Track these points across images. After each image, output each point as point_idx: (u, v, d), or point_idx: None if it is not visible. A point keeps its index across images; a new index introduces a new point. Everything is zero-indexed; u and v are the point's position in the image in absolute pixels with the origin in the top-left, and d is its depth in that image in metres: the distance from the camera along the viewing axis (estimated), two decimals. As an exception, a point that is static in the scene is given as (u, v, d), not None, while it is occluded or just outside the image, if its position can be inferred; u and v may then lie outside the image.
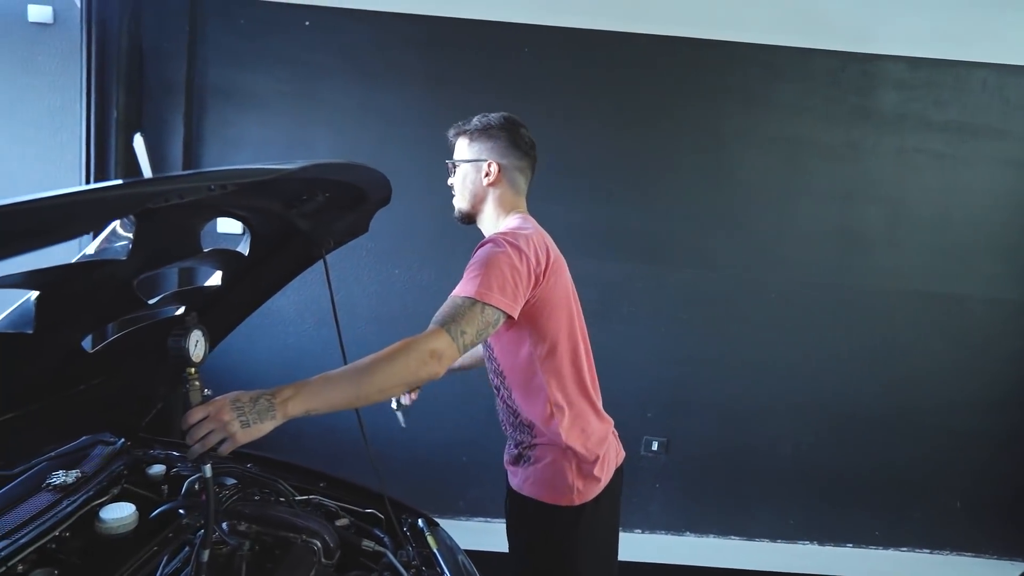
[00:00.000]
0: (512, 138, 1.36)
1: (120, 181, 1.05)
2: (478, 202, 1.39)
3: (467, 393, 2.66)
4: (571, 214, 2.60)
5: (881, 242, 2.70)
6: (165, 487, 1.31)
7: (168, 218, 0.85)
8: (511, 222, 1.35)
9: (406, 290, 2.61)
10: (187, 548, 1.10)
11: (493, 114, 1.40)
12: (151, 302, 0.97)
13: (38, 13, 2.32)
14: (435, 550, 1.31)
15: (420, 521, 1.42)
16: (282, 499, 1.33)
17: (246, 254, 1.13)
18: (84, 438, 1.35)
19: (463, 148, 1.40)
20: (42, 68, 2.35)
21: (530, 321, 1.27)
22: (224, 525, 1.16)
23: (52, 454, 1.24)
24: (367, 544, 1.26)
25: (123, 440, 1.39)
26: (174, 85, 2.48)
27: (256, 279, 1.27)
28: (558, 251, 1.36)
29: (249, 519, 1.19)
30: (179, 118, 2.50)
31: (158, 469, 1.33)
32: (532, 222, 1.37)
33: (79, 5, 2.32)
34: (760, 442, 2.75)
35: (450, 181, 1.43)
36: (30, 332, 0.86)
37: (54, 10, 2.33)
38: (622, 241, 2.66)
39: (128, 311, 0.97)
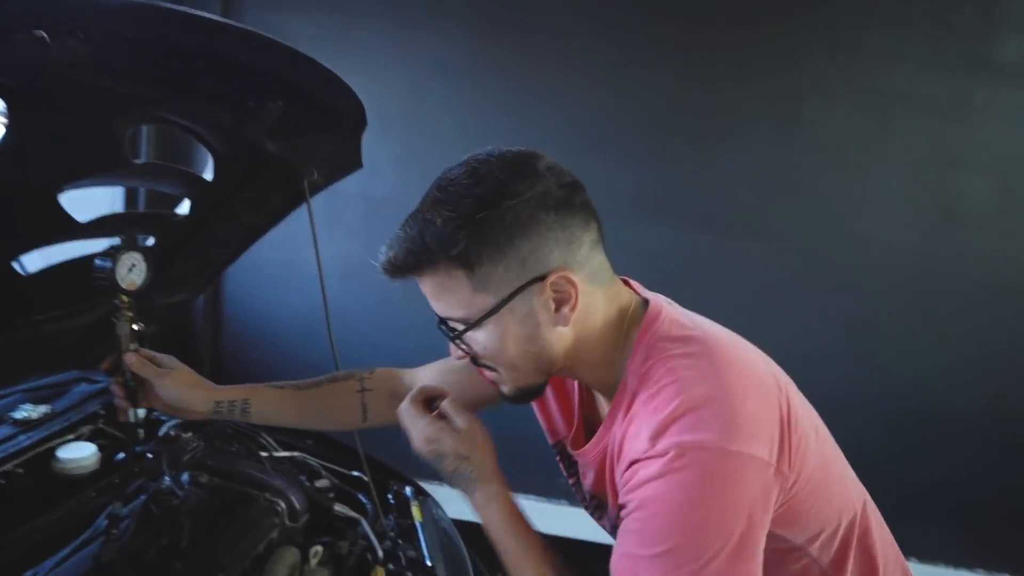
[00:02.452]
0: (548, 201, 0.65)
1: None
2: (558, 356, 0.71)
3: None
4: (622, 175, 2.36)
5: (987, 222, 2.28)
6: (142, 431, 1.24)
7: (66, 108, 0.72)
8: (654, 338, 0.69)
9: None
10: (142, 497, 1.01)
11: (462, 172, 0.67)
12: (84, 221, 0.87)
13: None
14: (417, 522, 1.18)
15: (408, 489, 1.29)
16: (262, 453, 1.23)
17: (211, 180, 1.01)
18: (68, 374, 1.31)
19: (460, 288, 0.67)
20: None
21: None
22: (185, 476, 1.07)
23: (24, 387, 1.20)
24: (340, 509, 1.14)
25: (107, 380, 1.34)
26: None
27: (235, 214, 1.15)
28: (779, 375, 0.74)
29: (212, 471, 1.10)
30: (217, 63, 2.45)
31: (138, 412, 1.26)
32: (675, 310, 0.74)
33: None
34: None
35: (456, 355, 0.73)
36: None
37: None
38: (676, 206, 2.39)
39: (61, 233, 0.88)
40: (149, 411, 1.30)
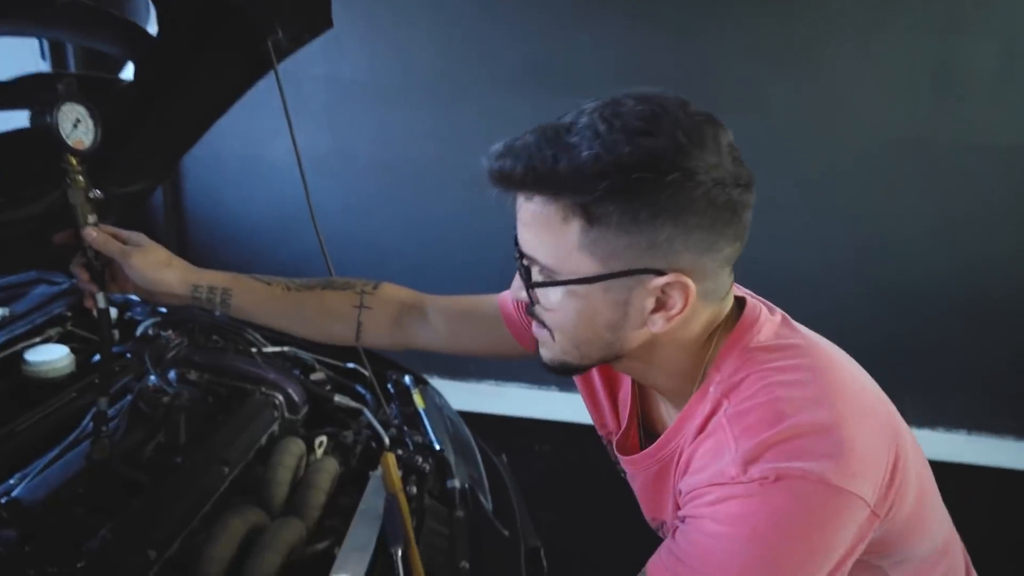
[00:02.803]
0: (716, 196, 0.52)
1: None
2: (629, 351, 0.60)
3: (477, 260, 2.45)
4: (610, 47, 2.18)
5: (989, 87, 2.17)
6: (116, 332, 1.16)
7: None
8: (749, 347, 0.59)
9: (407, 136, 2.31)
10: (128, 396, 0.95)
11: (640, 111, 0.52)
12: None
13: None
14: (421, 408, 1.16)
15: (407, 378, 1.26)
16: (252, 348, 1.17)
17: (156, 36, 0.86)
18: (25, 275, 1.19)
19: (566, 237, 0.54)
20: None
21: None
22: (172, 374, 1.01)
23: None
24: (341, 399, 1.10)
25: (72, 280, 1.23)
26: None
27: (190, 84, 1.00)
28: (887, 402, 0.62)
29: (200, 367, 1.04)
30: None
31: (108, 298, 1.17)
32: (775, 316, 0.64)
33: None
34: (812, 320, 2.47)
35: (519, 293, 0.61)
36: None
37: None
38: (669, 80, 2.23)
39: None
40: (122, 310, 1.22)
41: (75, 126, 0.67)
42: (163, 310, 1.23)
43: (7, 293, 1.12)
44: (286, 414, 1.02)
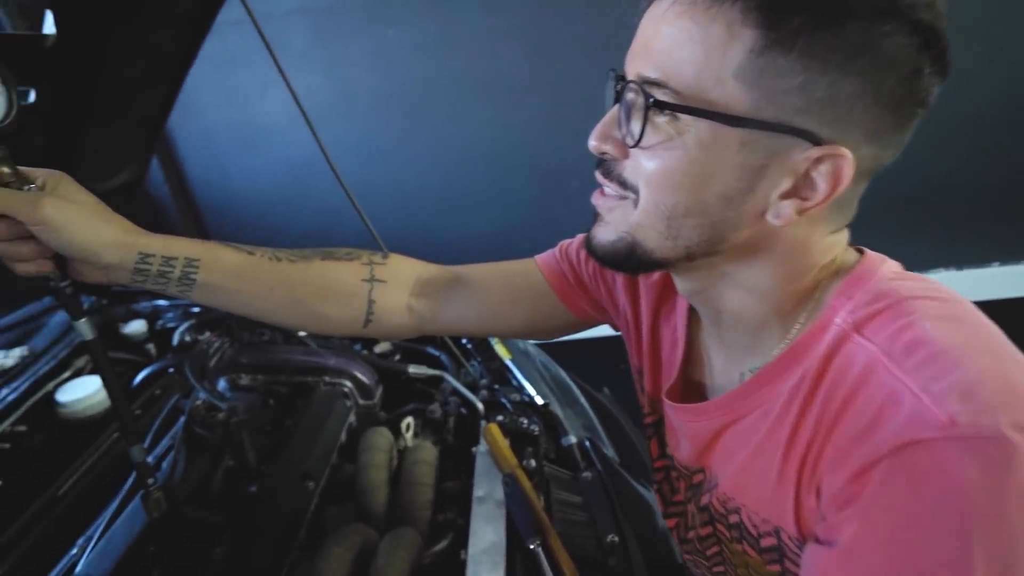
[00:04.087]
0: (920, 73, 0.38)
1: None
2: (724, 247, 0.44)
3: (509, 182, 2.22)
4: None
5: None
6: (151, 346, 1.03)
7: None
8: (877, 285, 0.43)
9: (406, 55, 2.03)
10: (181, 419, 0.82)
11: None
12: None
13: None
14: (507, 360, 1.00)
15: (482, 328, 1.09)
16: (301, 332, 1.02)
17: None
18: (36, 305, 1.06)
19: (724, 56, 0.38)
20: None
21: None
22: (222, 383, 0.87)
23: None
24: (415, 370, 0.95)
25: (93, 299, 1.09)
26: None
27: (136, 37, 0.79)
28: None
29: (250, 369, 0.89)
30: None
31: (136, 326, 1.03)
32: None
33: None
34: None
35: (609, 132, 0.44)
36: None
37: None
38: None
39: None
40: (151, 319, 1.08)
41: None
42: (196, 309, 1.08)
43: (23, 328, 0.99)
44: (360, 401, 0.88)
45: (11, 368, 0.87)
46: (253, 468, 0.74)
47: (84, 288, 0.56)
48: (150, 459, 0.76)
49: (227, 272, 0.55)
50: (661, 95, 0.40)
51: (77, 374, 0.91)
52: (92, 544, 0.63)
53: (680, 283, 0.51)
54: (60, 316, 1.05)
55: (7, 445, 0.79)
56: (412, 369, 0.95)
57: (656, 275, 0.59)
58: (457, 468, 0.82)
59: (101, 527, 0.65)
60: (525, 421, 0.84)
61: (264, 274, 0.57)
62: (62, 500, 0.69)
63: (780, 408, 0.44)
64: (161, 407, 0.85)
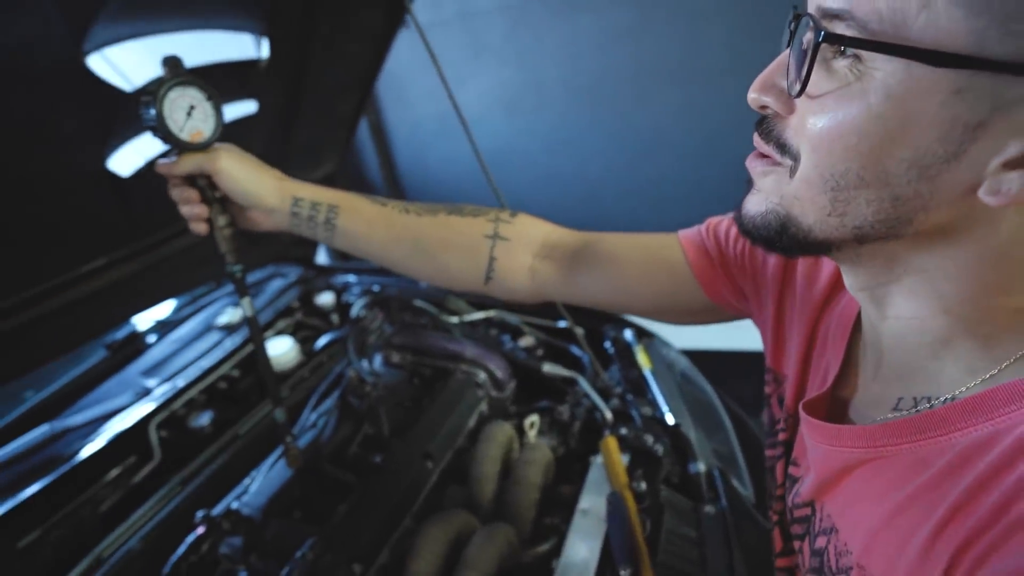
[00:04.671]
0: None
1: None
2: (903, 223, 0.33)
3: (698, 168, 2.08)
4: None
5: None
6: (335, 316, 1.19)
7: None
8: None
9: (597, 43, 2.00)
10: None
11: None
12: (133, 89, 0.69)
13: None
14: (647, 371, 0.96)
15: (628, 332, 1.06)
16: (452, 319, 1.10)
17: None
18: (264, 271, 1.30)
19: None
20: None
21: None
22: (378, 359, 0.98)
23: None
24: (550, 369, 0.96)
25: (299, 270, 1.30)
26: None
27: (330, 48, 0.91)
28: None
29: (402, 349, 0.99)
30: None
31: (326, 298, 1.20)
32: None
33: None
34: None
35: (774, 81, 0.36)
36: None
37: None
38: None
39: (111, 107, 0.71)
40: (338, 294, 1.25)
41: (188, 114, 0.59)
42: (376, 288, 1.23)
43: (252, 290, 1.22)
44: (492, 392, 0.91)
45: (235, 324, 1.09)
46: (385, 440, 0.82)
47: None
48: (313, 416, 0.90)
49: (362, 220, 0.62)
50: (841, 28, 0.31)
51: (279, 333, 1.09)
52: (259, 479, 0.77)
53: (845, 273, 0.40)
54: (276, 283, 1.27)
55: (224, 385, 0.99)
56: (547, 367, 0.96)
57: (826, 266, 0.49)
58: (576, 476, 0.81)
59: (268, 466, 0.79)
60: (650, 439, 0.80)
61: (393, 224, 0.63)
62: (239, 440, 0.85)
63: (949, 465, 0.33)
64: (329, 371, 0.99)
